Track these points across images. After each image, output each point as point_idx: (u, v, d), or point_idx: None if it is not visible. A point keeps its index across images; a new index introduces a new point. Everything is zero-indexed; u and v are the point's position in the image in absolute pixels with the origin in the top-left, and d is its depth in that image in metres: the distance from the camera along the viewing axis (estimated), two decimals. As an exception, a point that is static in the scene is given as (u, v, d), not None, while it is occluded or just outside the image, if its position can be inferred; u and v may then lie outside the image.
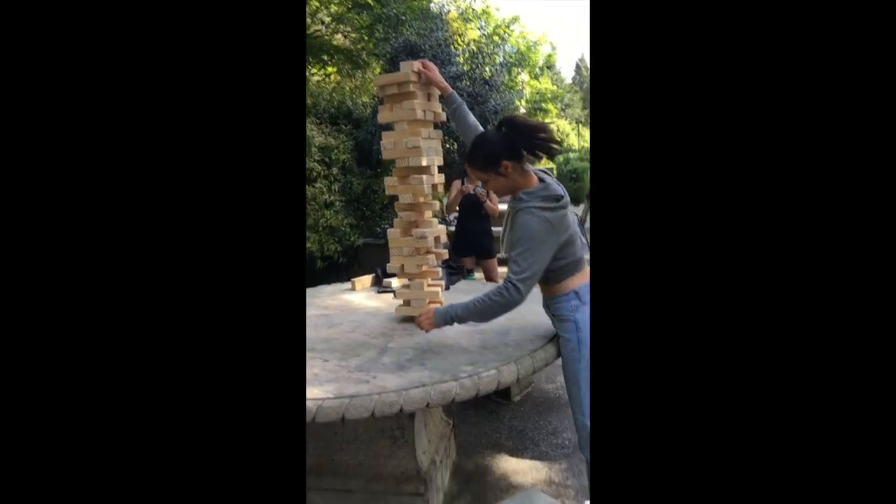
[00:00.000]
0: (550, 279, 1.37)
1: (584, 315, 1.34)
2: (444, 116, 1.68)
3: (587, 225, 8.07)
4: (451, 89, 1.61)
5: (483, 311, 1.31)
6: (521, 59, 10.64)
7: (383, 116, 1.60)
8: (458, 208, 3.30)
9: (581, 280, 1.37)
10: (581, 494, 1.71)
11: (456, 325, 1.38)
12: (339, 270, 4.49)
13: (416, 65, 1.53)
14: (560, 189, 1.33)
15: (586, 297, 1.36)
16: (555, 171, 15.69)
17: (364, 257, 4.69)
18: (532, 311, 1.65)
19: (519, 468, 1.91)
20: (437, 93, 1.66)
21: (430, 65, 1.57)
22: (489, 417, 2.30)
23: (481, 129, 1.56)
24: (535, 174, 1.36)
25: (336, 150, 4.45)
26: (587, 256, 1.42)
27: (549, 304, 1.42)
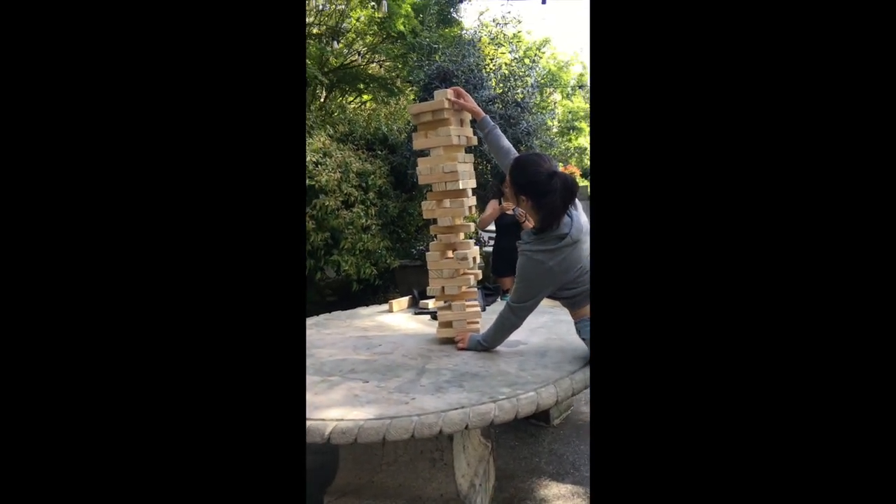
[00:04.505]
0: (572, 304, 1.43)
1: None
2: (476, 140, 1.72)
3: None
4: (483, 114, 1.64)
5: (494, 334, 1.55)
6: (553, 80, 10.69)
7: (418, 143, 1.65)
8: (494, 228, 3.31)
9: None
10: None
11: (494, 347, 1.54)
12: (376, 292, 4.55)
13: (449, 92, 1.58)
14: (567, 226, 1.34)
15: None
16: (589, 189, 15.52)
17: (400, 279, 4.74)
18: (571, 332, 1.63)
19: (560, 493, 1.86)
20: (469, 117, 1.70)
21: (463, 91, 1.61)
22: (528, 441, 2.26)
23: (515, 152, 1.59)
24: None
25: (373, 176, 4.56)
26: None
27: (577, 328, 1.46)
